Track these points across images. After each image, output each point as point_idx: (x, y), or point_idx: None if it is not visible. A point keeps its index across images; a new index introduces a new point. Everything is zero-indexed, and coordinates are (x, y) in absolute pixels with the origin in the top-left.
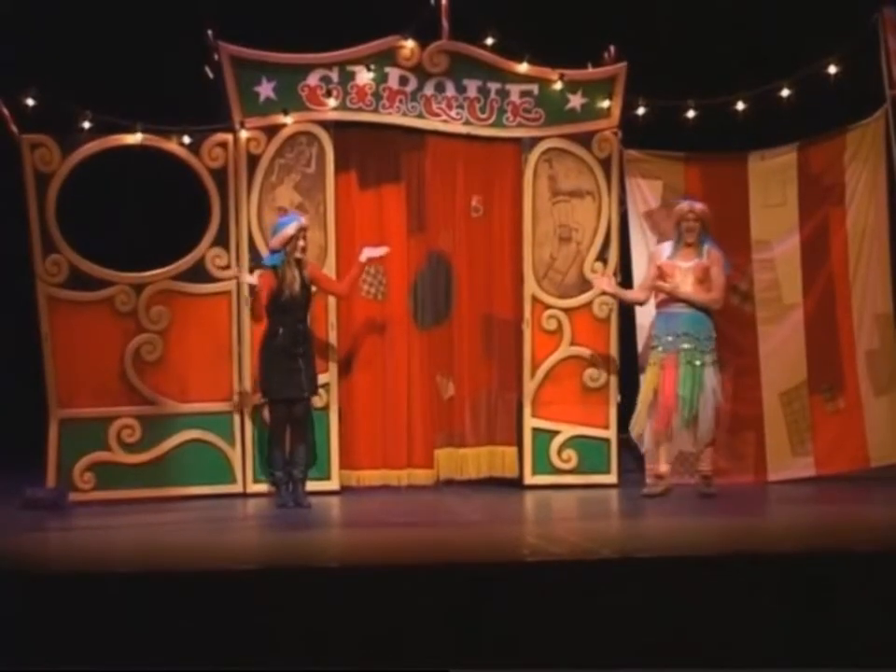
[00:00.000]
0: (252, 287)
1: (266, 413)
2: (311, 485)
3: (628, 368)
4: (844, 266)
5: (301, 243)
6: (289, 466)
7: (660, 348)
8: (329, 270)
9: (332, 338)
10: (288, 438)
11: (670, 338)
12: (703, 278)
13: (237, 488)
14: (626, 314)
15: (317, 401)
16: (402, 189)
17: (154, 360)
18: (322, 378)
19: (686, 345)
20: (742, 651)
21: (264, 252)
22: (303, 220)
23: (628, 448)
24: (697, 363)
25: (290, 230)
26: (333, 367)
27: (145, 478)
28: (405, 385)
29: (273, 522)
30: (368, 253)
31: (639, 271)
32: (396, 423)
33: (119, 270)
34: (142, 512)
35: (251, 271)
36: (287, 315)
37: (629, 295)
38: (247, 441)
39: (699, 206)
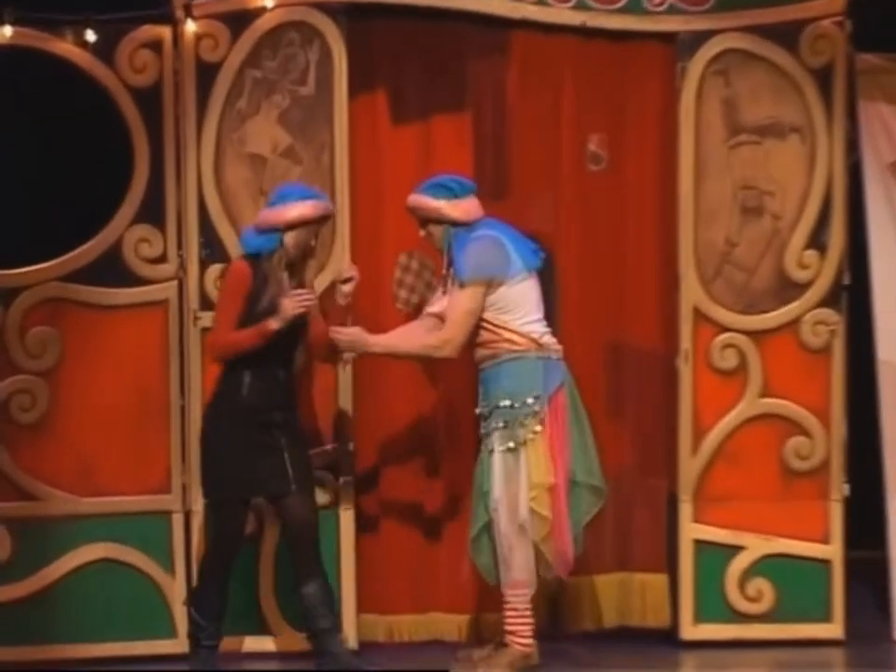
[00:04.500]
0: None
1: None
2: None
3: (863, 435)
4: None
5: (312, 241)
6: (309, 614)
7: None
8: (336, 261)
9: (344, 381)
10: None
11: None
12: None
13: (177, 646)
14: (861, 341)
15: (320, 497)
16: (468, 122)
17: (34, 422)
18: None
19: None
20: None
21: (226, 234)
22: (330, 204)
23: (860, 576)
24: (488, 449)
25: (308, 209)
26: (347, 432)
27: (21, 627)
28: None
29: None
30: None
31: (882, 264)
32: (454, 534)
33: None
34: None
35: (202, 263)
36: (263, 350)
37: None
38: (194, 563)
39: (412, 198)
